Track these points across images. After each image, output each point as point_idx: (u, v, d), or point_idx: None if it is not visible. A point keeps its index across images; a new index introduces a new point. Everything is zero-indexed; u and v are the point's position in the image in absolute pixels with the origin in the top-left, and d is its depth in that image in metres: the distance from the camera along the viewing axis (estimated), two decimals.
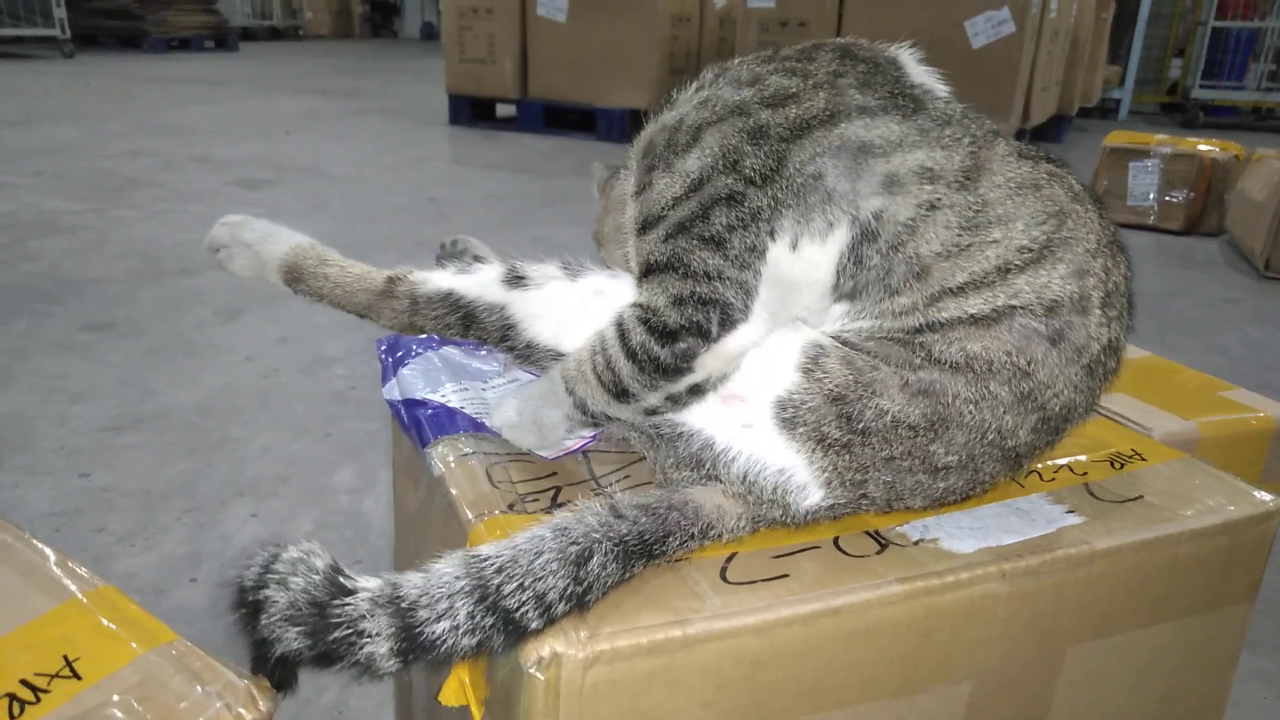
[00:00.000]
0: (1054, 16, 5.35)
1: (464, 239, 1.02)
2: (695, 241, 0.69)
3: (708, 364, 0.70)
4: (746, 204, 0.68)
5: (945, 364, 0.67)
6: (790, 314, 0.71)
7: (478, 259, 1.03)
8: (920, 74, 0.75)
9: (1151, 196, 4.27)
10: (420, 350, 0.99)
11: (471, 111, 6.30)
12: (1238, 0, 7.99)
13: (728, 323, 0.68)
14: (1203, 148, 4.24)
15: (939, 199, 0.68)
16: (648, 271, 0.72)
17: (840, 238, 0.68)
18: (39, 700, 0.57)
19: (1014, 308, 0.67)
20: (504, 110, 6.42)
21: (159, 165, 4.54)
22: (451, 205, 4.10)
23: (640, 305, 0.71)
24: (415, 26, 16.16)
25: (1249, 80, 7.87)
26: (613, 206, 0.89)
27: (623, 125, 5.77)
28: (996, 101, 4.84)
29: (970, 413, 0.67)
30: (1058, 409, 0.70)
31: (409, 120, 6.47)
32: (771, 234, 0.68)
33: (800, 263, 0.69)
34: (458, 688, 0.67)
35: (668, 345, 0.69)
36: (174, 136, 5.30)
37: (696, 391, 0.71)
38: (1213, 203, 4.24)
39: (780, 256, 0.69)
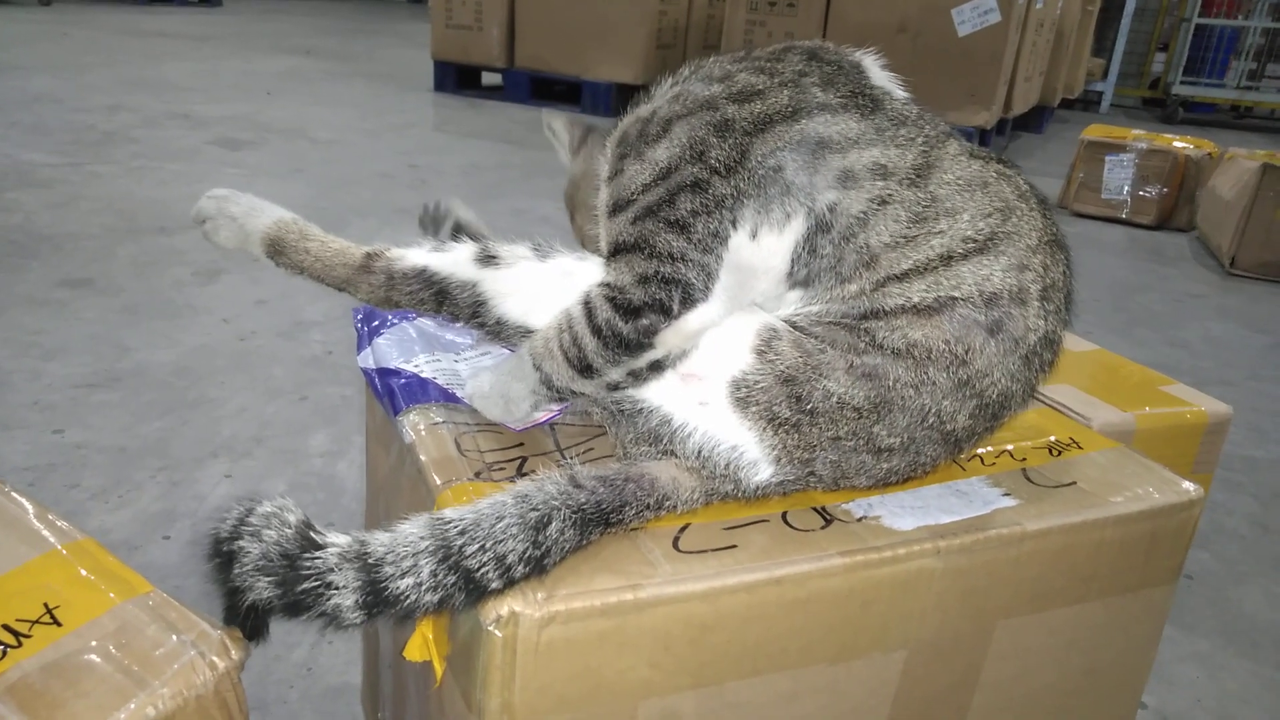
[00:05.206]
0: (1040, 7, 5.38)
1: (447, 202, 1.05)
2: (661, 224, 0.72)
3: (668, 340, 0.73)
4: (711, 191, 0.72)
5: (888, 350, 0.71)
6: (748, 298, 0.75)
7: (459, 223, 1.05)
8: (881, 77, 0.79)
9: (1125, 190, 4.34)
10: (395, 320, 1.02)
11: (457, 79, 6.25)
12: None
13: (688, 301, 0.72)
14: (1177, 144, 4.31)
15: (890, 194, 0.72)
16: (615, 251, 0.75)
17: (796, 228, 0.72)
18: (21, 644, 0.60)
19: (955, 298, 0.71)
20: (490, 79, 6.38)
21: (138, 121, 4.49)
22: (433, 173, 4.09)
23: (607, 284, 0.74)
24: None
25: (1229, 78, 7.96)
26: (590, 172, 0.91)
27: (608, 99, 5.76)
28: (979, 90, 4.87)
29: (910, 397, 0.72)
30: (995, 396, 0.74)
31: (393, 85, 6.42)
32: (734, 222, 0.72)
33: (759, 251, 0.73)
34: (421, 644, 0.71)
35: (631, 321, 0.72)
36: (154, 92, 5.24)
37: (656, 368, 0.75)
38: (1185, 199, 4.32)
39: (741, 244, 0.72)
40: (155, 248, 2.89)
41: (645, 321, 0.72)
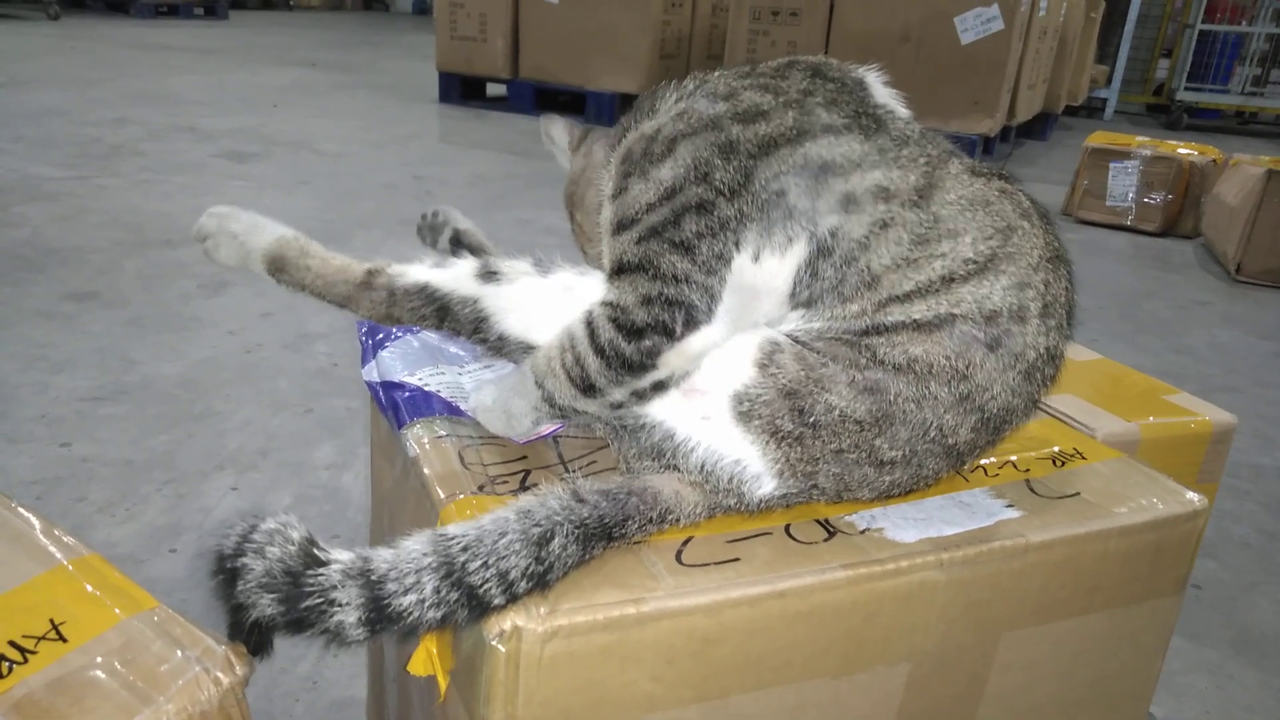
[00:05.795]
0: (1043, 15, 5.39)
1: (445, 210, 1.06)
2: (666, 245, 0.72)
3: (671, 362, 0.73)
4: (716, 213, 0.72)
5: (889, 365, 0.71)
6: (750, 319, 0.75)
7: (457, 231, 1.06)
8: (884, 95, 0.79)
9: (1130, 197, 4.33)
10: (400, 334, 1.02)
11: (461, 90, 6.28)
12: (1226, 3, 8.05)
13: (691, 323, 0.72)
14: (1182, 151, 4.31)
15: (892, 217, 0.72)
16: (619, 271, 0.75)
17: (798, 252, 0.72)
18: (26, 661, 0.60)
19: (955, 315, 0.71)
20: (494, 90, 6.41)
21: (145, 134, 4.52)
22: (438, 184, 4.11)
23: (610, 304, 0.74)
24: (408, 0, 16.01)
25: (1233, 84, 7.95)
26: (590, 168, 0.91)
27: (612, 109, 5.78)
28: (983, 98, 4.88)
29: (912, 411, 0.72)
30: (996, 410, 0.74)
31: (398, 96, 6.45)
32: (737, 244, 0.72)
33: (761, 273, 0.73)
34: (425, 658, 0.71)
35: (634, 342, 0.72)
36: (160, 105, 5.27)
37: (660, 388, 0.75)
38: (1190, 205, 4.31)
39: (743, 266, 0.73)
40: (161, 260, 2.91)
41: (648, 343, 0.72)
